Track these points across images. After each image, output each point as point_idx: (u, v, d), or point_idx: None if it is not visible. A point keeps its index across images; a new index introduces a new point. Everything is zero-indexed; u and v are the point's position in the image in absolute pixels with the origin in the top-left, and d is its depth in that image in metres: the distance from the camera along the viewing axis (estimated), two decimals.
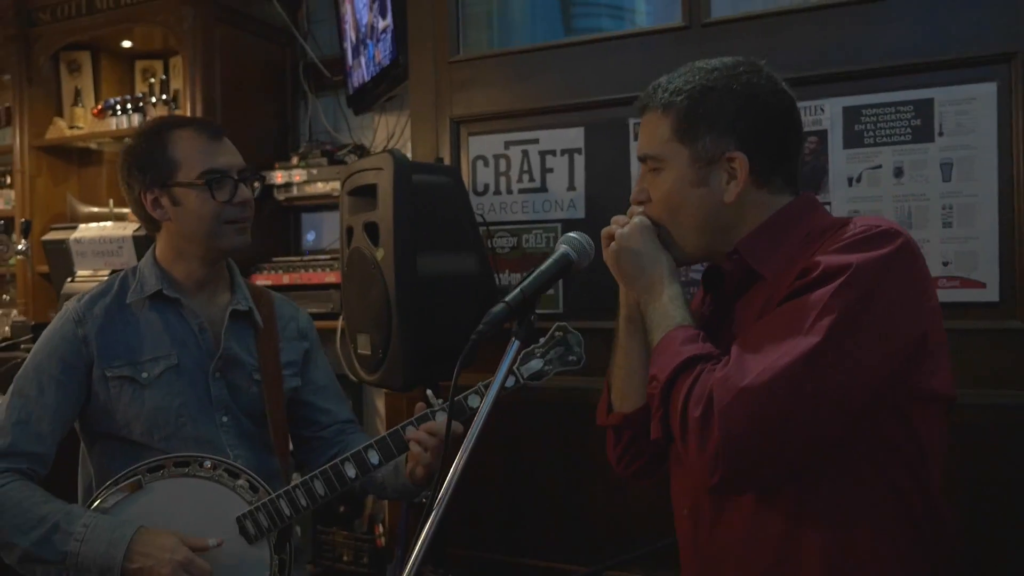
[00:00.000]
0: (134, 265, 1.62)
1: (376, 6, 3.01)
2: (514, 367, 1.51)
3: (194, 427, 1.52)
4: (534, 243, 2.25)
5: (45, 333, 1.53)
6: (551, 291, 2.23)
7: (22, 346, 2.47)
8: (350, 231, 2.11)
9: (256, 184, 1.60)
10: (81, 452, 1.58)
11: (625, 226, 1.24)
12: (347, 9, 3.30)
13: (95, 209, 3.78)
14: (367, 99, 3.33)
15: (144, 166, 1.52)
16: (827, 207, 1.93)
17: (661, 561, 2.01)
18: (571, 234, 1.26)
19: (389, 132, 3.44)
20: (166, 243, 1.58)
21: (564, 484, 2.17)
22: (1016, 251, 1.76)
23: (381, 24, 2.97)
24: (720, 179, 1.17)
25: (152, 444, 1.48)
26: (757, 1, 2.14)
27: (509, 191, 2.27)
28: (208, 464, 1.46)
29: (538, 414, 2.14)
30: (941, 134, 1.84)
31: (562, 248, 1.25)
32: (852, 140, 1.91)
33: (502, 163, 2.28)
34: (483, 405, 1.16)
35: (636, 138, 2.13)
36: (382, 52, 3.04)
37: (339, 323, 2.68)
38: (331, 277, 3.36)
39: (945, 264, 1.82)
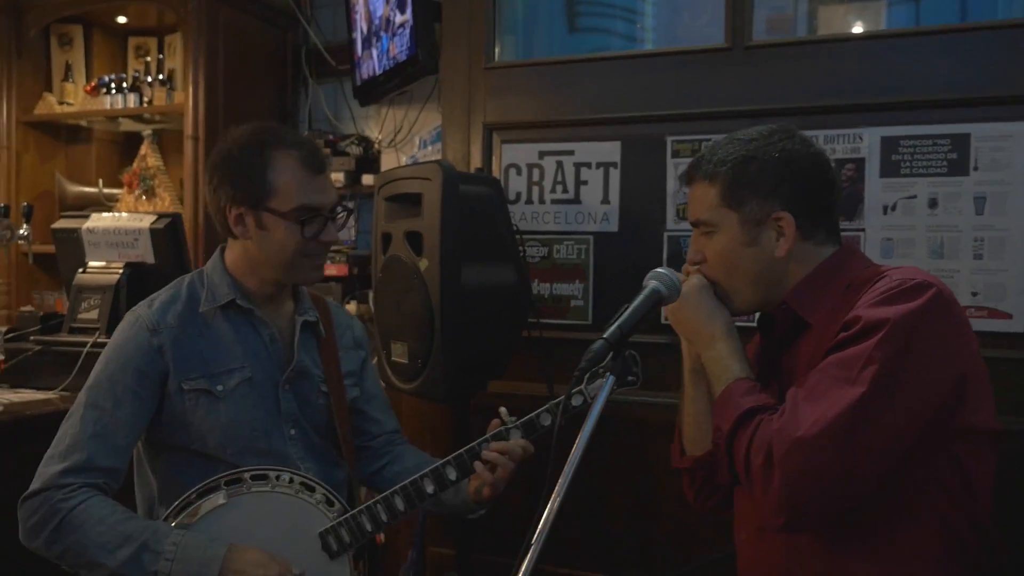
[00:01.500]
0: (198, 270, 1.59)
1: (394, 0, 2.97)
2: (582, 387, 1.52)
3: (267, 441, 1.50)
4: (565, 254, 2.26)
5: (115, 341, 1.49)
6: (580, 302, 2.26)
7: (31, 337, 2.39)
8: (386, 237, 2.09)
9: (342, 217, 1.57)
10: (138, 463, 1.55)
11: (685, 284, 1.31)
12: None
13: (84, 189, 3.67)
14: (376, 92, 3.28)
15: (238, 180, 1.47)
16: (861, 233, 2.00)
17: None
18: (659, 270, 1.30)
19: (396, 126, 3.40)
20: (240, 256, 1.54)
21: (590, 494, 2.21)
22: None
23: (399, 18, 2.93)
24: (770, 237, 1.26)
25: (224, 457, 1.46)
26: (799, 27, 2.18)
27: (542, 201, 2.28)
28: (286, 478, 1.45)
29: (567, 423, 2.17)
30: (976, 168, 1.91)
31: (652, 284, 1.28)
32: (889, 169, 1.97)
33: (535, 172, 2.29)
34: (584, 431, 1.17)
35: (673, 155, 2.16)
36: (398, 46, 3.00)
37: None
38: (332, 270, 3.34)
39: (974, 295, 1.90)
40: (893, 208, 1.97)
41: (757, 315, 1.40)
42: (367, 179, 3.39)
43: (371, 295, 2.43)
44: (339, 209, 1.56)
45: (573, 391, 1.56)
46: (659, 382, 2.15)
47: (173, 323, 1.48)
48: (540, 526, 1.11)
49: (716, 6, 2.11)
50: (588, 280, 2.23)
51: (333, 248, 3.28)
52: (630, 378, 1.62)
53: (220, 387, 1.48)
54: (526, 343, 2.22)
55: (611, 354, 1.21)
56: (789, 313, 1.27)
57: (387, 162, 3.42)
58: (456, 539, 2.21)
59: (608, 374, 1.21)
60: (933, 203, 1.94)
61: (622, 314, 1.23)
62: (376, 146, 3.47)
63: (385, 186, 2.11)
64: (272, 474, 1.45)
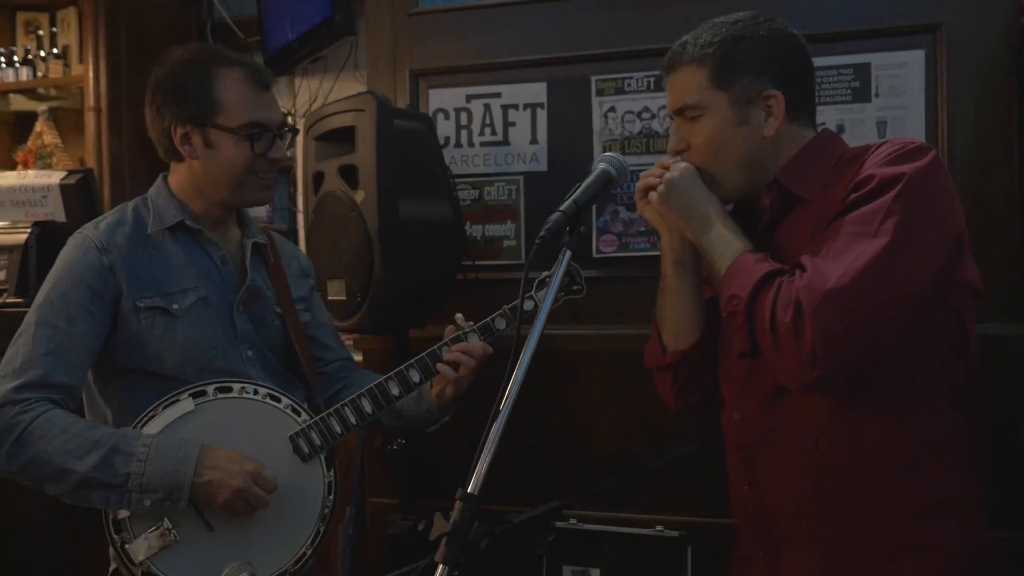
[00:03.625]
0: (140, 197, 1.53)
1: None
2: (531, 293, 1.55)
3: (225, 360, 1.46)
4: (496, 195, 2.29)
5: (64, 260, 1.41)
6: (513, 242, 2.29)
7: None
8: (318, 177, 2.06)
9: (288, 139, 1.55)
10: (88, 395, 1.47)
11: (672, 170, 1.32)
12: None
13: None
14: (290, 60, 3.23)
15: (183, 98, 1.43)
16: None
17: (622, 497, 2.12)
18: (608, 153, 1.34)
19: (311, 95, 3.35)
20: (186, 178, 1.50)
21: (524, 429, 2.23)
22: None
23: None
24: (759, 117, 1.29)
25: (184, 377, 1.41)
26: None
27: (471, 144, 2.30)
28: (251, 389, 1.42)
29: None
30: (877, 95, 2.05)
31: (602, 165, 1.32)
32: None
33: (463, 116, 2.30)
34: (541, 311, 1.20)
35: (598, 94, 2.23)
36: (311, 10, 2.96)
37: None
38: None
39: None
40: None
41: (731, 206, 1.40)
42: None
43: (301, 234, 2.37)
44: (286, 128, 1.54)
45: (525, 295, 1.59)
46: (590, 315, 2.21)
47: (122, 243, 1.43)
48: (494, 428, 1.12)
49: None
50: (520, 220, 2.27)
51: None
52: (575, 287, 1.67)
53: (176, 306, 1.44)
54: (461, 285, 2.23)
55: (569, 230, 1.24)
56: (781, 191, 1.29)
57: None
58: (399, 487, 2.19)
59: (565, 248, 1.25)
60: (840, 129, 2.08)
61: (575, 191, 1.26)
62: (289, 118, 3.41)
63: (314, 125, 2.08)
64: (236, 385, 1.43)
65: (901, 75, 2.04)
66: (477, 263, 2.25)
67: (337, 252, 1.99)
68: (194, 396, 1.39)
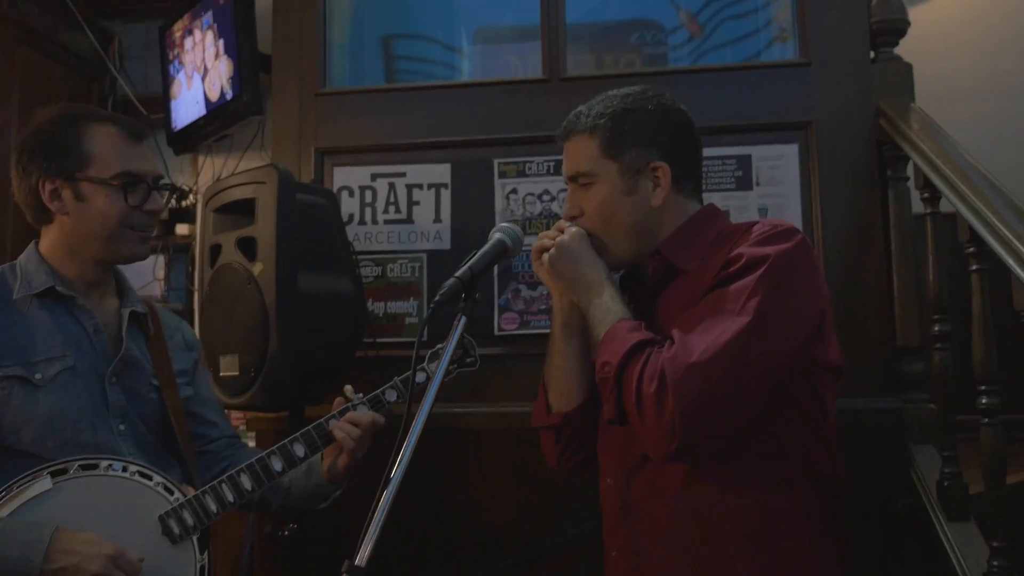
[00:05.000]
0: (9, 263, 1.45)
1: (210, 44, 2.97)
2: (423, 365, 1.55)
3: (92, 434, 1.36)
4: (399, 272, 2.30)
5: None
6: (415, 319, 2.29)
7: None
8: (215, 249, 2.02)
9: (166, 195, 1.51)
10: None
11: (564, 234, 1.36)
12: (174, 44, 3.19)
13: None
14: (194, 138, 3.21)
15: (51, 152, 1.38)
16: None
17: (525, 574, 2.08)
18: (504, 224, 1.38)
19: (215, 174, 3.31)
20: (56, 240, 1.43)
21: (426, 507, 2.17)
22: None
23: (221, 63, 2.92)
24: (647, 187, 1.34)
25: (43, 453, 1.30)
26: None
27: (375, 221, 2.32)
28: (119, 466, 1.31)
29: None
30: (758, 183, 2.21)
31: (497, 235, 1.35)
32: None
33: (368, 194, 2.33)
34: (434, 382, 1.19)
35: (500, 176, 2.30)
36: (217, 89, 2.98)
37: None
38: None
39: None
40: None
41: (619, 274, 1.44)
42: (181, 228, 3.26)
43: (196, 313, 2.30)
44: (163, 182, 1.50)
45: (417, 367, 1.58)
46: (491, 393, 2.21)
47: None
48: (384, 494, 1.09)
49: (534, 47, 2.33)
50: (422, 297, 2.28)
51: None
52: (469, 360, 1.68)
53: (39, 375, 1.35)
54: (362, 362, 2.20)
55: (464, 296, 1.26)
56: (663, 261, 1.32)
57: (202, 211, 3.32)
58: (290, 568, 2.07)
59: (460, 315, 1.26)
60: (727, 215, 2.20)
61: (471, 258, 1.28)
62: (191, 196, 3.36)
63: (214, 197, 2.05)
64: (104, 462, 1.33)
65: (779, 166, 2.20)
66: (378, 339, 2.23)
67: (231, 326, 1.93)
68: (53, 474, 1.28)
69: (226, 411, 1.77)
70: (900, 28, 2.22)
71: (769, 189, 2.20)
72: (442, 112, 2.31)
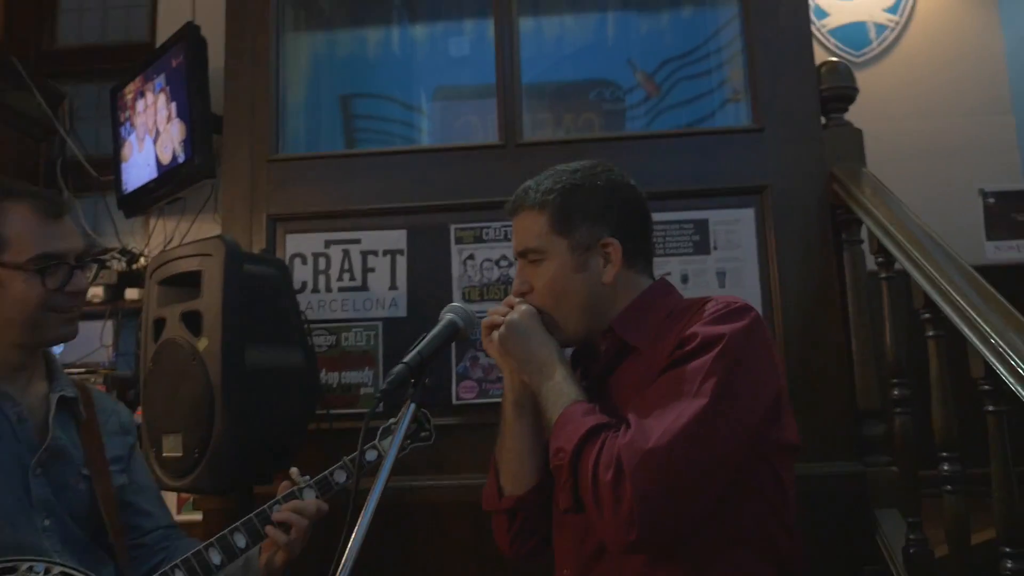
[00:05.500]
0: None
1: (162, 106, 2.92)
2: (374, 442, 1.48)
3: (13, 532, 1.27)
4: (354, 341, 2.23)
5: None
6: (371, 389, 2.22)
7: None
8: (159, 323, 1.94)
9: (92, 270, 1.44)
10: None
11: (514, 311, 1.31)
12: (126, 106, 3.14)
13: None
14: (144, 201, 3.14)
15: None
16: None
17: None
18: (454, 304, 1.33)
19: (167, 237, 3.24)
20: None
21: None
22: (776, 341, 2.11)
23: (173, 126, 2.88)
24: (598, 263, 1.31)
25: None
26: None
27: (328, 289, 2.26)
28: (40, 568, 1.21)
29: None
30: (716, 248, 2.20)
31: (448, 316, 1.31)
32: None
33: (321, 261, 2.28)
34: (385, 463, 1.14)
35: (457, 242, 2.27)
36: (169, 153, 2.92)
37: None
38: None
39: None
40: None
41: (570, 350, 1.39)
42: (131, 293, 3.17)
43: (140, 390, 2.20)
44: (87, 258, 1.44)
45: (366, 446, 1.52)
46: (450, 464, 2.14)
47: None
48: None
49: (493, 104, 2.32)
50: (378, 366, 2.21)
51: (88, 370, 2.97)
52: (423, 434, 1.63)
53: None
54: (315, 436, 2.12)
55: (413, 382, 1.21)
56: (615, 339, 1.29)
57: None
58: None
59: (409, 401, 1.21)
60: (685, 278, 2.20)
61: (420, 342, 1.24)
62: (141, 259, 3.27)
63: (159, 268, 1.98)
64: (24, 564, 1.23)
65: (736, 230, 2.20)
66: (332, 412, 2.15)
67: (175, 404, 1.85)
68: None
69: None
70: (849, 95, 2.26)
71: (727, 253, 2.20)
72: (397, 177, 2.29)
